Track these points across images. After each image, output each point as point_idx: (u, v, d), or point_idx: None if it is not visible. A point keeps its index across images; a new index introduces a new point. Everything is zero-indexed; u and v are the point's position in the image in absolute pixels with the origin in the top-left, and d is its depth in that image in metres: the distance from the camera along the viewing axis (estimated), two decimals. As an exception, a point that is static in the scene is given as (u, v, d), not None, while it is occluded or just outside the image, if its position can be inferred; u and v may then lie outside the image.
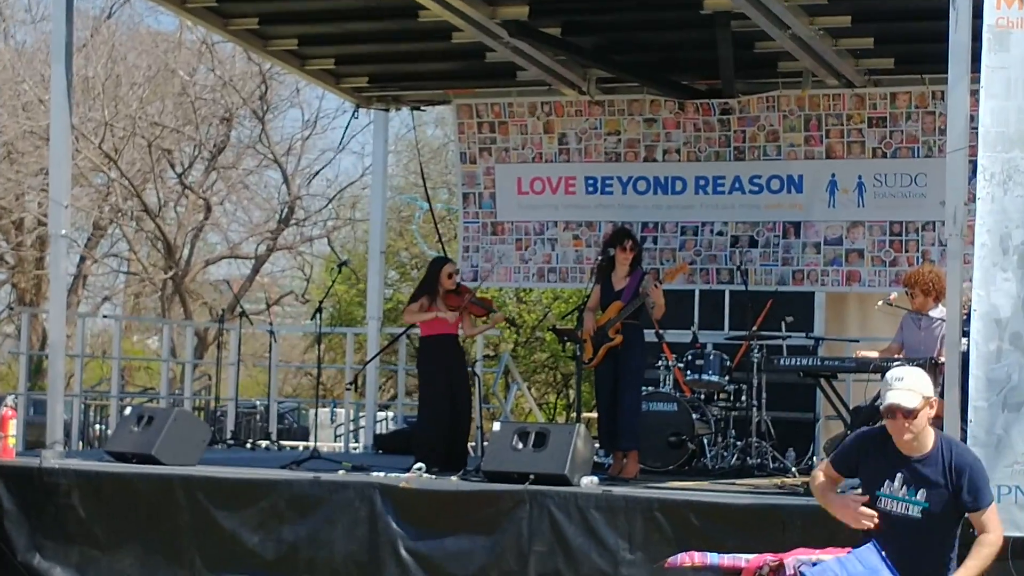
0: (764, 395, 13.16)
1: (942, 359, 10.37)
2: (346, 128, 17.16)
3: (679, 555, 6.39)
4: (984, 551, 6.66)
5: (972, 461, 6.79)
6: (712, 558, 6.32)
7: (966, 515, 6.76)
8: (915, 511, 6.65)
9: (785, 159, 14.91)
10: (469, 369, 12.99)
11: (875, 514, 6.68)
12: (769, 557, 6.25)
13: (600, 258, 12.41)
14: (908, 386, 6.66)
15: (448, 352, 12.75)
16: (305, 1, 14.51)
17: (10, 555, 11.40)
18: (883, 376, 6.83)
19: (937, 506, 6.65)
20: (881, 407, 6.69)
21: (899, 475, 6.68)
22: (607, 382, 12.12)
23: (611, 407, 12.08)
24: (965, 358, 9.09)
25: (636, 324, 12.07)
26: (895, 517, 6.68)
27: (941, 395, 10.15)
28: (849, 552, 6.29)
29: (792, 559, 6.17)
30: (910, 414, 6.61)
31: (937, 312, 11.00)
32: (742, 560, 6.28)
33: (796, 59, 13.78)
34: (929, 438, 6.75)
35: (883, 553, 6.27)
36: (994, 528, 6.72)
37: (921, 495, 6.63)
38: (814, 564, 6.18)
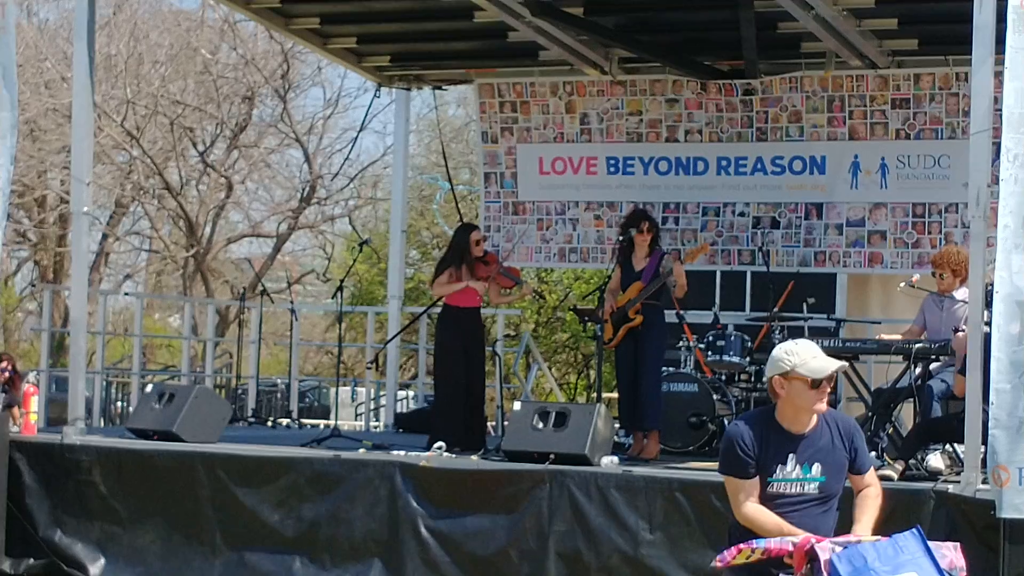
0: (785, 376, 13.11)
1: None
2: (368, 108, 17.06)
3: (726, 551, 6.31)
4: (878, 503, 6.54)
5: (853, 422, 6.65)
6: (759, 543, 6.23)
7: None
8: (812, 487, 6.44)
9: (808, 140, 14.87)
10: (489, 349, 12.92)
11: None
12: (813, 539, 6.16)
13: (620, 239, 12.40)
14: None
15: (469, 325, 12.60)
16: (327, -21, 14.52)
17: (32, 531, 11.45)
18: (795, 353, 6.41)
19: (833, 476, 6.46)
20: (814, 379, 6.34)
21: (791, 456, 6.42)
22: (627, 362, 12.12)
23: (631, 387, 12.08)
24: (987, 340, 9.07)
25: (656, 305, 12.07)
26: (791, 498, 6.45)
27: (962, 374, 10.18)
28: (888, 538, 6.20)
29: (827, 542, 6.10)
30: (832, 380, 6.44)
31: (961, 294, 10.95)
32: (789, 543, 6.19)
33: (819, 40, 13.74)
34: None
35: (927, 541, 6.17)
36: (876, 481, 6.60)
37: (816, 469, 6.43)
38: (845, 547, 6.10)
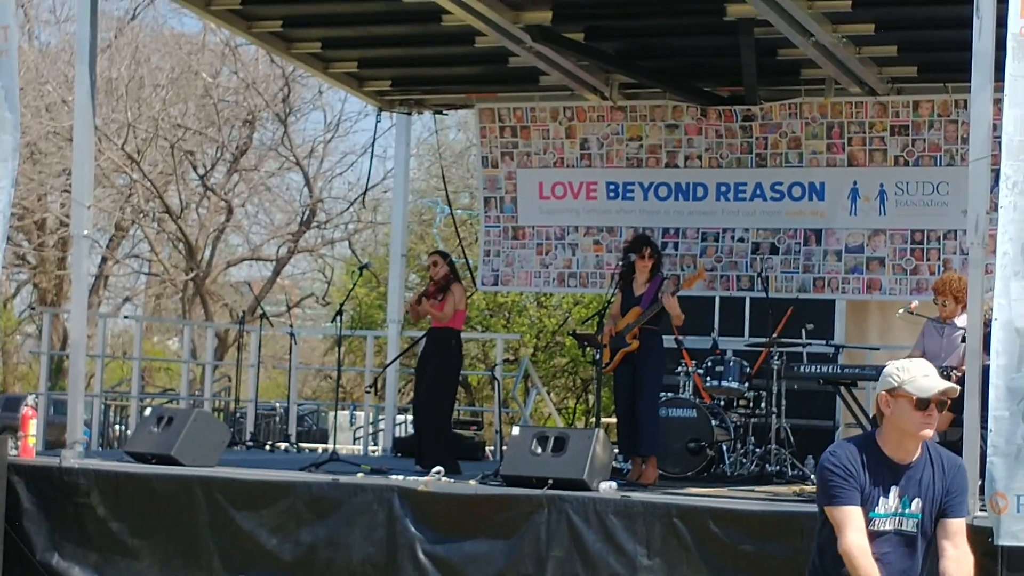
0: (784, 402, 13.15)
1: (963, 367, 10.39)
2: (375, 132, 17.05)
3: None
4: (971, 571, 6.10)
5: (959, 461, 6.24)
6: None
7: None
8: (909, 525, 6.03)
9: (807, 166, 14.89)
10: (488, 373, 13.13)
11: None
12: None
13: (621, 263, 12.41)
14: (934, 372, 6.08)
15: (430, 344, 13.32)
16: (328, 4, 14.53)
17: (29, 554, 11.42)
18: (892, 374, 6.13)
19: (929, 515, 6.05)
20: (920, 398, 5.95)
21: (892, 488, 5.99)
22: (625, 387, 12.13)
23: (629, 412, 12.08)
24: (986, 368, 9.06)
25: (654, 330, 12.07)
26: (886, 535, 6.02)
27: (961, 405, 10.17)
28: None
29: None
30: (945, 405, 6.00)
31: (962, 321, 10.93)
32: None
33: (819, 66, 13.77)
34: None
35: None
36: (965, 542, 6.15)
37: (916, 505, 6.02)
38: None
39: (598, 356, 11.88)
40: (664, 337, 12.24)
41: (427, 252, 33.05)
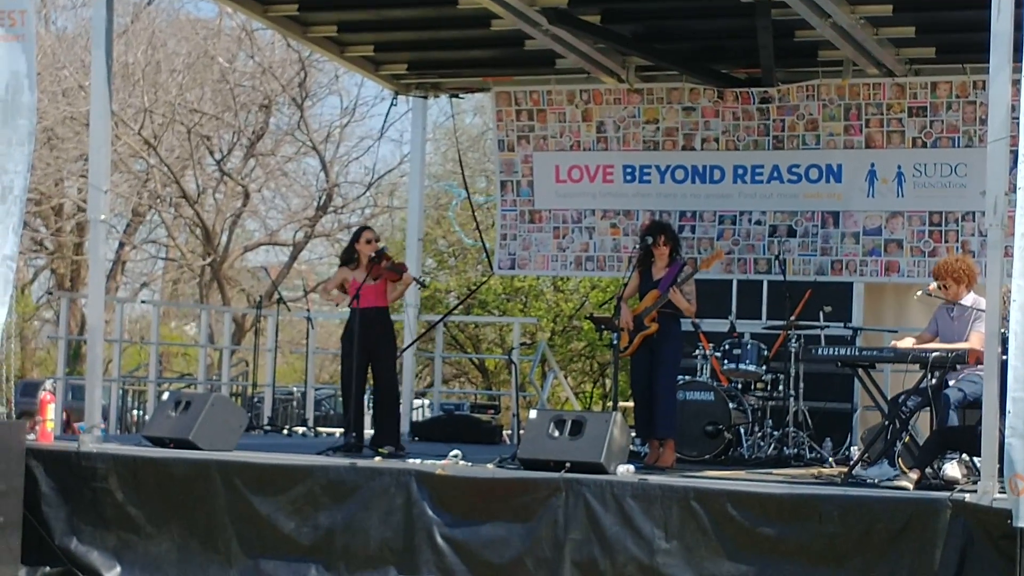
0: (801, 385, 13.14)
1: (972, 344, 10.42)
2: (387, 116, 17.14)
3: None
4: None
5: None
6: None
7: None
8: None
9: (824, 148, 14.86)
10: (505, 357, 12.99)
11: None
12: None
13: (638, 249, 12.41)
14: None
15: (372, 326, 12.70)
16: (344, -12, 14.53)
17: (48, 538, 11.45)
18: None
19: None
20: None
21: None
22: (642, 370, 12.12)
23: (646, 395, 12.08)
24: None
25: (673, 313, 12.06)
26: None
27: (972, 380, 10.20)
28: None
29: None
30: None
31: (968, 299, 10.97)
32: None
33: (836, 48, 13.73)
34: None
35: None
36: None
37: None
38: None
39: (615, 340, 11.87)
40: (682, 320, 12.23)
41: (442, 236, 33.14)
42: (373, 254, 12.81)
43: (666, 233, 12.27)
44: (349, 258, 12.99)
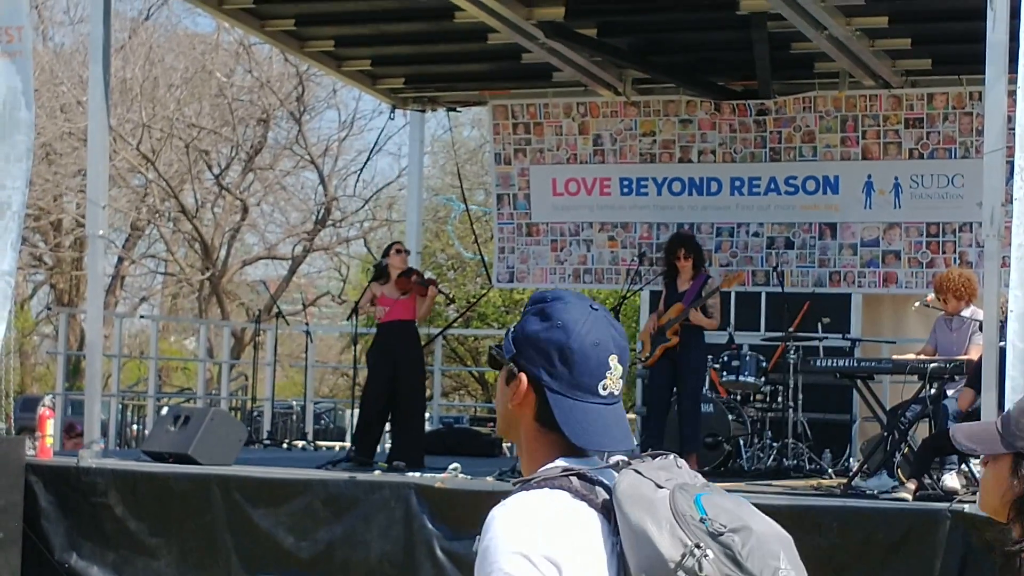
0: (800, 396, 13.14)
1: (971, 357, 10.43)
2: (382, 130, 17.17)
3: None
4: None
5: None
6: None
7: None
8: None
9: (821, 160, 14.87)
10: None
11: None
12: None
13: (664, 267, 12.54)
14: None
15: (396, 339, 12.72)
16: (341, 2, 14.55)
17: (47, 554, 11.45)
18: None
19: None
20: None
21: None
22: (660, 382, 12.23)
23: (662, 407, 12.19)
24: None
25: (696, 326, 12.15)
26: None
27: (977, 392, 10.19)
28: None
29: None
30: None
31: (968, 312, 10.99)
32: None
33: (833, 60, 13.75)
34: None
35: None
36: None
37: None
38: None
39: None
40: (705, 334, 12.36)
41: (441, 249, 33.15)
42: (403, 268, 12.87)
43: (687, 246, 12.36)
44: (380, 273, 12.98)
